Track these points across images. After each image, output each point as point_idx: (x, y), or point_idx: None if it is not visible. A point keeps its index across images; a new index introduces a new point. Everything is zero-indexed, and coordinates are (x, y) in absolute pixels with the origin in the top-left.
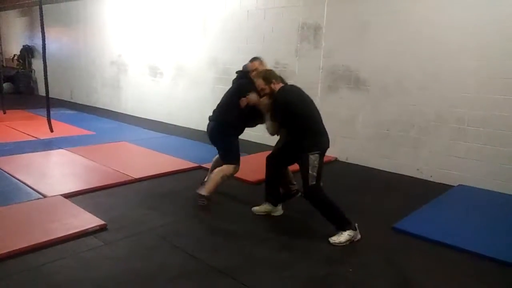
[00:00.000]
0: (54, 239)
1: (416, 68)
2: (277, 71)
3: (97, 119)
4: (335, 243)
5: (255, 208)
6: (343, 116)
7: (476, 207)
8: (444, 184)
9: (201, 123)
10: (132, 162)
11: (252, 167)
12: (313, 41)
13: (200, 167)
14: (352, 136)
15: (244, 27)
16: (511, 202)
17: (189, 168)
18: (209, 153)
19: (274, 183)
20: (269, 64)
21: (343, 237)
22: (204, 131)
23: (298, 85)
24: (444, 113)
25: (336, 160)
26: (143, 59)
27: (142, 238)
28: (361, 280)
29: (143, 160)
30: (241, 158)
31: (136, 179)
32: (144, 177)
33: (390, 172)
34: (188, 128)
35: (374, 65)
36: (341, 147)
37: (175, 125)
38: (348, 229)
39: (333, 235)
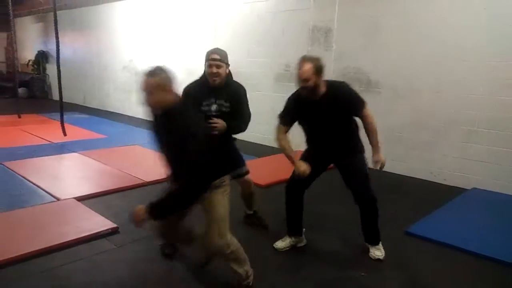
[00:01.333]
0: (67, 242)
1: (428, 70)
2: (287, 74)
3: (109, 123)
4: (379, 258)
5: (279, 245)
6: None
7: (491, 211)
8: (458, 187)
9: None
10: (143, 165)
11: (262, 171)
12: (324, 43)
13: None
14: (364, 139)
15: (254, 31)
16: None
17: None
18: None
19: (299, 213)
20: (279, 67)
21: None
22: None
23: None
24: (457, 115)
25: None
26: (154, 63)
27: (152, 241)
28: (374, 284)
29: (154, 163)
30: (250, 161)
31: (147, 182)
32: (155, 180)
33: (403, 175)
34: None
35: (385, 67)
36: None
37: None
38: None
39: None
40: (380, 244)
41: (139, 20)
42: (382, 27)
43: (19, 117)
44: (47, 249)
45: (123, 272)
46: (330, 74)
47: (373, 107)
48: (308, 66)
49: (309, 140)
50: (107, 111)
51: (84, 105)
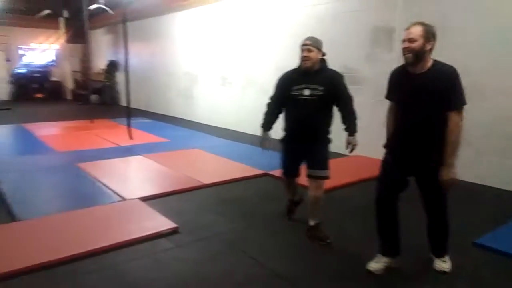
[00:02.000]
0: (131, 239)
1: (498, 71)
2: (347, 77)
3: (172, 127)
4: (445, 270)
5: (373, 267)
6: None
7: None
8: None
9: None
10: (203, 168)
11: None
12: (386, 44)
13: (266, 174)
14: None
15: (313, 33)
16: None
17: (257, 175)
18: (275, 160)
19: (394, 228)
20: (338, 70)
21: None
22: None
23: (371, 90)
24: None
25: None
26: (214, 70)
27: (211, 242)
28: None
29: (212, 166)
30: None
31: (206, 184)
32: (214, 182)
33: (472, 183)
34: (256, 135)
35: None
36: None
37: (243, 133)
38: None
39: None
40: (447, 256)
41: (199, 27)
42: (448, 25)
43: (92, 122)
44: (114, 245)
45: (181, 271)
46: None
47: None
48: (418, 27)
49: (397, 129)
50: (170, 116)
51: (149, 110)
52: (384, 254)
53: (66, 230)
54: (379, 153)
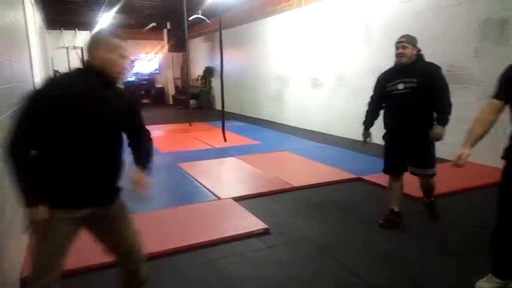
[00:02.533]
0: (226, 237)
1: None
2: (451, 75)
3: (262, 130)
4: None
5: (482, 286)
6: None
7: None
8: None
9: (359, 133)
10: (292, 170)
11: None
12: (498, 38)
13: (359, 179)
14: None
15: (410, 31)
16: None
17: (348, 179)
18: (368, 164)
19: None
20: (443, 68)
21: None
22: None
23: (479, 89)
24: None
25: None
26: (305, 72)
27: (302, 245)
28: None
29: (302, 169)
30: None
31: (296, 187)
32: (304, 185)
33: None
34: (347, 138)
35: None
36: None
37: (333, 135)
38: None
39: None
40: None
41: (290, 31)
42: None
43: (190, 125)
44: (210, 242)
45: (272, 272)
46: None
47: None
48: None
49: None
50: (261, 119)
51: (241, 113)
52: (497, 275)
53: (168, 224)
54: (488, 159)
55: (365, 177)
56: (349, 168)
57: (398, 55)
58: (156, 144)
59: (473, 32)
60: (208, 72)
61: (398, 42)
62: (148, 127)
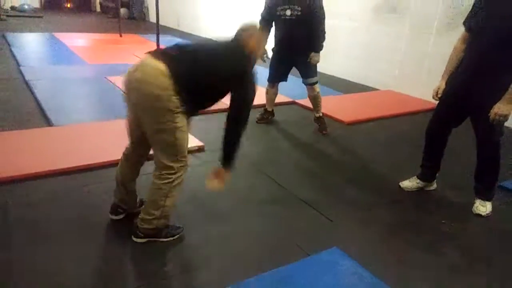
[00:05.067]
0: None
1: None
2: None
3: None
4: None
5: (405, 185)
6: None
7: None
8: None
9: None
10: None
11: (346, 108)
12: None
13: (294, 102)
14: None
15: None
16: None
17: (284, 102)
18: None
19: (436, 157)
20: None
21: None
22: None
23: (411, 20)
24: None
25: None
26: None
27: (236, 162)
28: (453, 232)
29: None
30: (335, 97)
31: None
32: None
33: None
34: None
35: None
36: None
37: None
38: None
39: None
40: (488, 202)
41: None
42: None
43: (121, 36)
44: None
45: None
46: (437, 5)
47: None
48: None
49: (466, 55)
50: (199, 36)
51: (178, 28)
52: (421, 178)
53: (95, 139)
54: (413, 90)
55: (299, 101)
56: (285, 92)
57: None
58: (82, 55)
59: None
60: None
61: None
62: (71, 35)
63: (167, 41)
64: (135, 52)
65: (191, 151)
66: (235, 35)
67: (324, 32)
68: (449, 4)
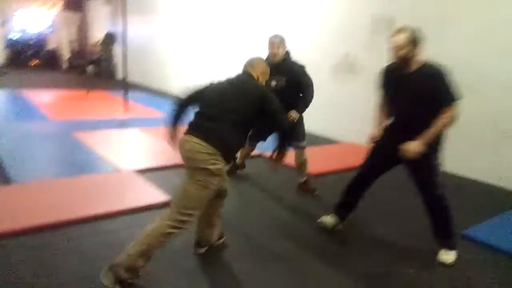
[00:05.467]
0: (124, 209)
1: (501, 65)
2: (348, 63)
3: (168, 102)
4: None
5: (325, 221)
6: None
7: None
8: None
9: None
10: None
11: (315, 160)
12: (387, 33)
13: (260, 156)
14: None
15: (312, 22)
16: None
17: (251, 156)
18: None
19: (354, 202)
20: (338, 58)
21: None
22: None
23: (370, 78)
24: None
25: None
26: (212, 45)
27: None
28: (421, 283)
29: None
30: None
31: None
32: None
33: (465, 177)
34: None
35: (454, 60)
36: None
37: None
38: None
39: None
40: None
41: (196, 4)
42: (453, 14)
43: (88, 92)
44: (107, 214)
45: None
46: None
47: None
48: (402, 36)
49: (391, 120)
50: (166, 92)
51: (145, 85)
52: (336, 213)
53: (61, 195)
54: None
55: (267, 154)
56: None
57: (272, 55)
58: (46, 111)
59: (367, 26)
60: (109, 38)
61: (272, 42)
62: (36, 91)
63: (135, 97)
64: (102, 108)
65: (156, 207)
66: (243, 70)
67: (311, 98)
68: None
